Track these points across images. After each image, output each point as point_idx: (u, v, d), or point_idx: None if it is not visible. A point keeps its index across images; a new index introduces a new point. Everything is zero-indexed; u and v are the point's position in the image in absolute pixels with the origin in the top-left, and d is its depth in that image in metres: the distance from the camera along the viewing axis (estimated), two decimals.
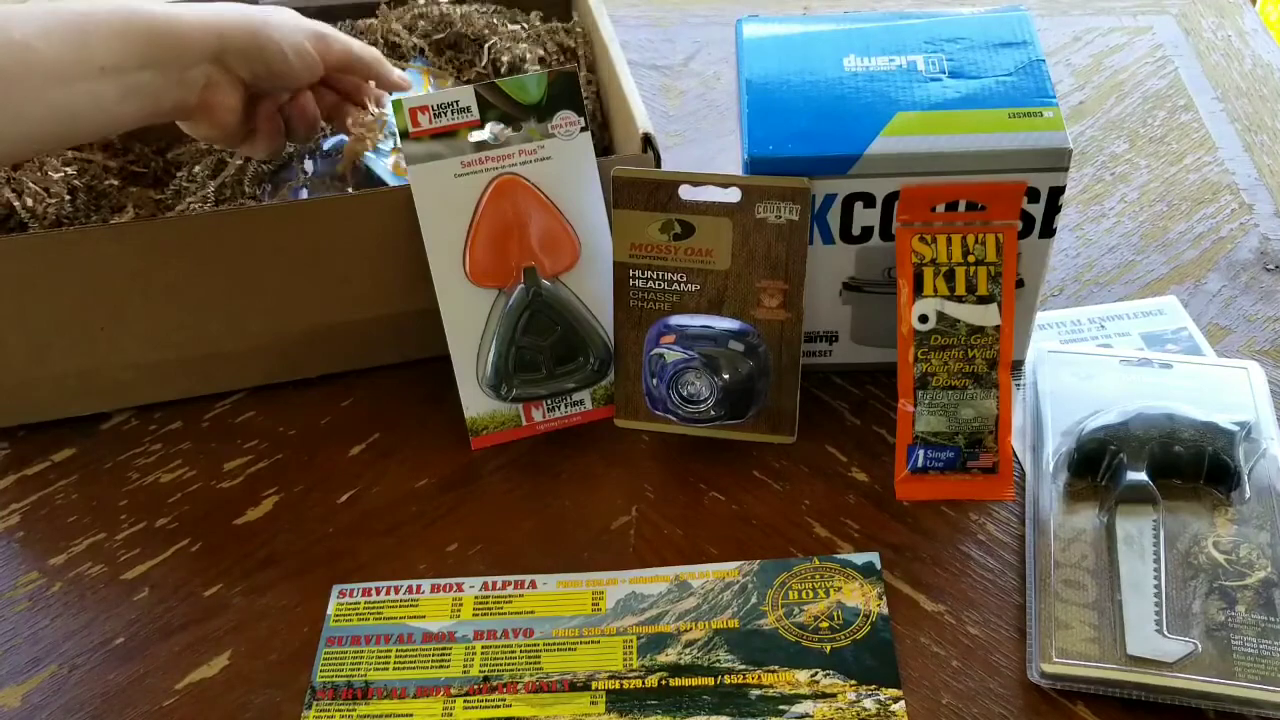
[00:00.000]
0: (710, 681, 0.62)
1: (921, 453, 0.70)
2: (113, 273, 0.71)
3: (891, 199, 0.68)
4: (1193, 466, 0.66)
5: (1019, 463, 0.71)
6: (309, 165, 0.80)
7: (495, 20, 0.88)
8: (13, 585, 0.69)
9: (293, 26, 0.70)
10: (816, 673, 0.62)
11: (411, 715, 0.62)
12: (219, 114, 0.68)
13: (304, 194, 0.78)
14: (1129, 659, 0.59)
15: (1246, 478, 0.65)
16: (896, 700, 0.60)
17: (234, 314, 0.75)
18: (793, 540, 0.68)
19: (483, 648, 0.64)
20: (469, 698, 0.62)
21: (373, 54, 0.74)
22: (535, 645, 0.64)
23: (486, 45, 0.86)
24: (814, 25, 0.75)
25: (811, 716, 0.60)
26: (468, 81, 0.85)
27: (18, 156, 0.71)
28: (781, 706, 0.60)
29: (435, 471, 0.74)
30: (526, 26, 0.89)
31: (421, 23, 0.88)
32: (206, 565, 0.69)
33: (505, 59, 0.86)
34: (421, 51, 0.86)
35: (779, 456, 0.73)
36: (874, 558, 0.67)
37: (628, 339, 0.72)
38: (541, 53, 0.87)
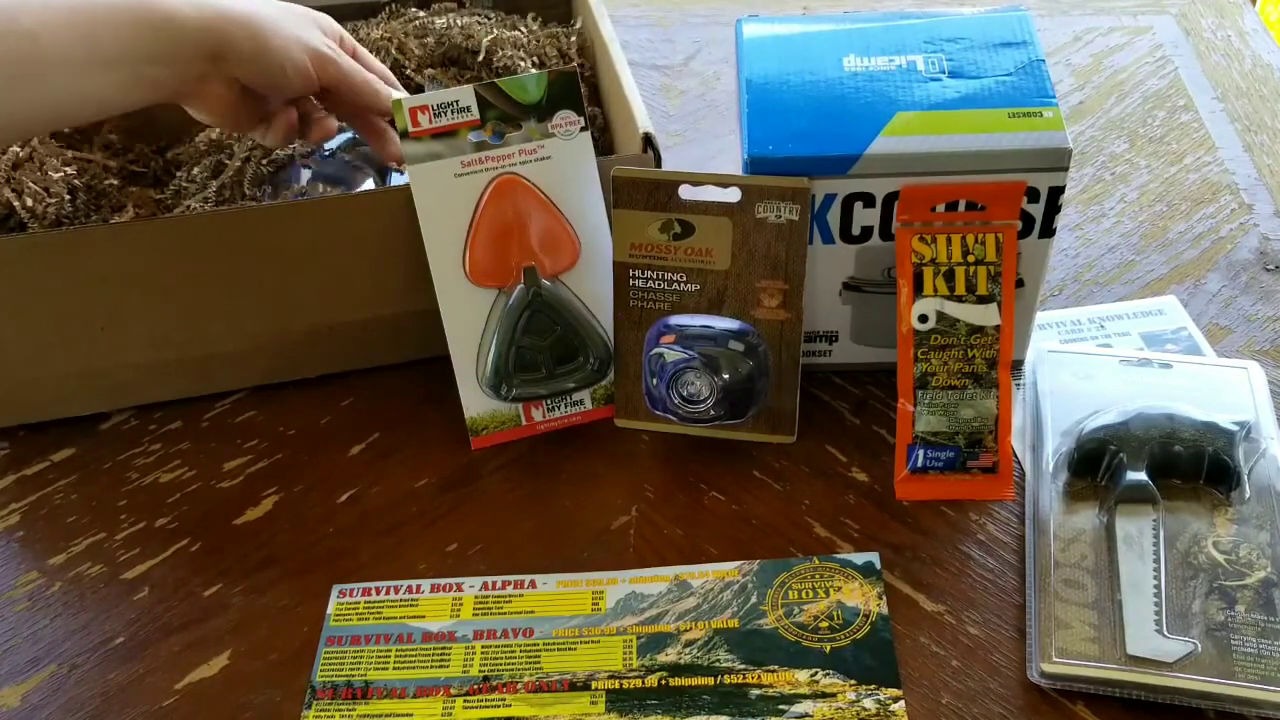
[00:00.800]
0: (710, 681, 0.62)
1: (921, 452, 0.70)
2: (113, 273, 0.71)
3: (891, 199, 0.68)
4: (1193, 466, 0.66)
5: (1019, 463, 0.71)
6: (310, 169, 0.80)
7: (496, 30, 0.88)
8: (13, 585, 0.69)
9: (295, 41, 0.68)
10: (816, 672, 0.62)
11: (411, 715, 0.61)
12: (212, 102, 0.68)
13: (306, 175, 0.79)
14: (1129, 659, 0.59)
15: (1246, 478, 0.65)
16: (896, 700, 0.60)
17: (234, 314, 0.75)
18: (793, 540, 0.68)
19: (482, 647, 0.64)
20: (469, 697, 0.62)
21: (366, 83, 0.72)
22: (535, 645, 0.64)
23: (485, 46, 0.86)
24: (814, 25, 0.75)
25: (811, 716, 0.60)
26: None
27: (10, 142, 0.73)
28: (781, 706, 0.60)
29: (435, 471, 0.74)
30: (525, 32, 0.89)
31: (428, 39, 0.88)
32: (206, 565, 0.69)
33: (504, 65, 0.86)
34: (432, 77, 0.86)
35: (779, 456, 0.73)
36: (874, 558, 0.67)
37: (628, 339, 0.72)
38: (539, 59, 0.87)
